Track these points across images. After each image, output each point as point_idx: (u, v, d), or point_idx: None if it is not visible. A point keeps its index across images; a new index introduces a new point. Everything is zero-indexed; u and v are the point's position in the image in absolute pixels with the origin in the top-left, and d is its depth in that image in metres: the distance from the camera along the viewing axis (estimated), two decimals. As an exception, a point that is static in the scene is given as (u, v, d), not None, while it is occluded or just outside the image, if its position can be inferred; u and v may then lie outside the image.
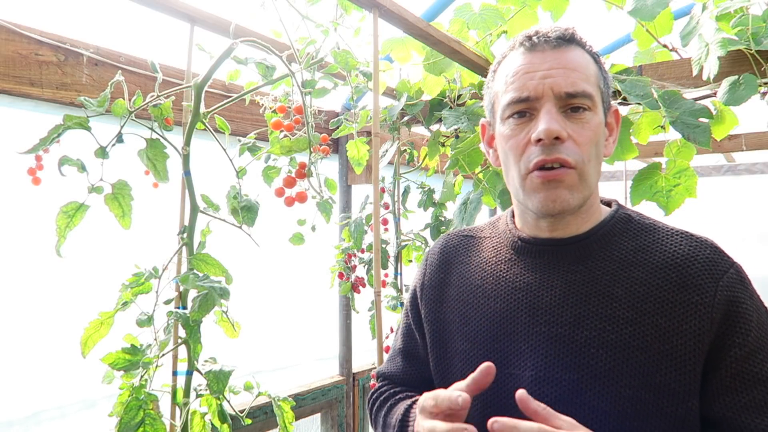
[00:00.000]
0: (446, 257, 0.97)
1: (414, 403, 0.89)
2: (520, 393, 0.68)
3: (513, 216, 0.93)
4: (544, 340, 0.79)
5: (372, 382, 2.09)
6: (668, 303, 0.75)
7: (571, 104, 0.78)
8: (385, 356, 1.84)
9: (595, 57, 0.85)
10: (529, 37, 0.82)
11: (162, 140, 1.15)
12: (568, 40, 0.81)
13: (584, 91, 0.78)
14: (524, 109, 0.80)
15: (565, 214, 0.81)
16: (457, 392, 0.71)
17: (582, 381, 0.75)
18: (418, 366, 1.00)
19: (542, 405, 0.67)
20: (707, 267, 0.76)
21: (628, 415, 0.73)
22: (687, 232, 0.82)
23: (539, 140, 0.77)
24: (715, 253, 0.78)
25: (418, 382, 0.99)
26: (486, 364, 0.71)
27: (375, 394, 1.03)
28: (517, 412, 0.77)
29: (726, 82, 1.37)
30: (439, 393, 0.74)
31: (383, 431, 0.95)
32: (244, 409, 1.36)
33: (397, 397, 0.96)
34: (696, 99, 1.54)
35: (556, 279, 0.81)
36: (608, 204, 0.90)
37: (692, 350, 0.73)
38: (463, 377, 0.84)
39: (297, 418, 1.94)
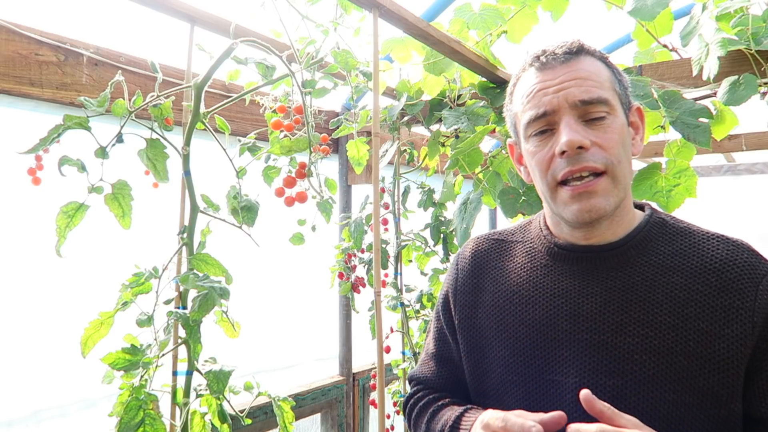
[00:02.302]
0: (479, 262, 0.97)
1: (466, 411, 0.88)
2: (585, 393, 0.69)
3: (545, 220, 0.93)
4: (586, 347, 0.80)
5: (372, 382, 2.09)
6: (709, 307, 0.76)
7: (589, 113, 0.79)
8: (386, 356, 1.84)
9: (606, 61, 0.85)
10: (538, 57, 0.84)
11: (162, 140, 1.15)
12: (575, 52, 0.83)
13: (599, 98, 0.79)
14: (545, 126, 0.82)
15: (601, 221, 0.82)
16: (532, 422, 0.71)
17: (626, 387, 0.76)
18: (452, 369, 0.99)
19: (607, 405, 0.69)
20: (747, 271, 0.78)
21: (672, 417, 0.74)
22: (723, 236, 0.83)
23: (563, 152, 0.78)
24: (752, 256, 0.80)
25: (452, 386, 0.99)
26: (559, 414, 0.72)
27: (412, 400, 1.02)
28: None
29: (726, 82, 1.37)
30: (510, 417, 0.74)
31: None
32: (244, 409, 1.36)
33: (439, 403, 0.96)
34: (696, 99, 1.54)
35: (596, 286, 0.82)
36: (641, 207, 0.91)
37: (735, 354, 0.74)
38: (502, 383, 0.86)
39: (297, 418, 1.94)
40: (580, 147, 0.77)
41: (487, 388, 0.89)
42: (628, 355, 0.77)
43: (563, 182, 0.80)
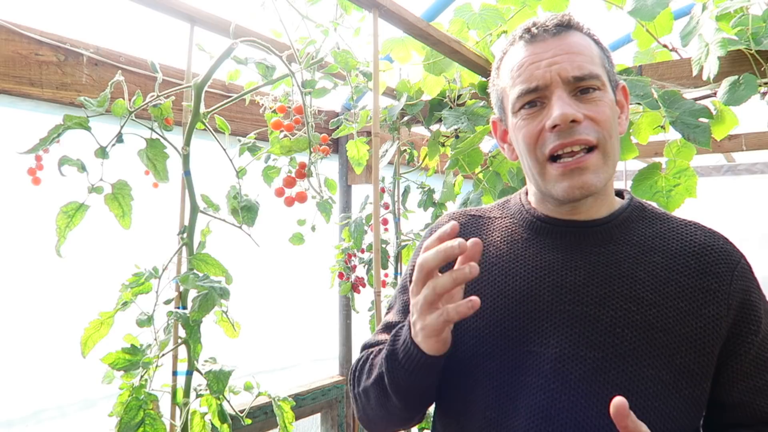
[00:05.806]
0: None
1: (399, 329, 0.82)
2: (619, 401, 0.63)
3: (526, 195, 0.93)
4: (568, 318, 0.79)
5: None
6: (688, 288, 0.78)
7: (580, 87, 0.79)
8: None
9: (595, 39, 0.85)
10: (528, 29, 0.83)
11: (162, 140, 1.15)
12: (566, 26, 0.82)
13: (591, 73, 0.79)
14: (534, 99, 0.80)
15: (588, 197, 0.82)
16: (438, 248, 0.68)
17: (606, 359, 0.76)
18: None
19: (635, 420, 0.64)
20: (723, 256, 0.80)
21: (648, 393, 0.75)
22: (699, 223, 0.86)
23: (555, 126, 0.77)
24: (727, 243, 0.83)
25: None
26: (454, 232, 0.69)
27: (356, 365, 0.95)
28: (535, 390, 0.78)
29: (726, 82, 1.37)
30: (426, 285, 0.70)
31: (364, 389, 0.88)
32: (244, 409, 1.36)
33: (375, 349, 0.91)
34: (696, 99, 1.54)
35: (580, 260, 0.82)
36: (620, 194, 0.92)
37: (710, 334, 0.76)
38: (474, 355, 0.83)
39: (297, 418, 1.94)
40: (573, 120, 0.76)
41: (457, 360, 0.86)
42: (610, 328, 0.77)
43: (553, 158, 0.79)
